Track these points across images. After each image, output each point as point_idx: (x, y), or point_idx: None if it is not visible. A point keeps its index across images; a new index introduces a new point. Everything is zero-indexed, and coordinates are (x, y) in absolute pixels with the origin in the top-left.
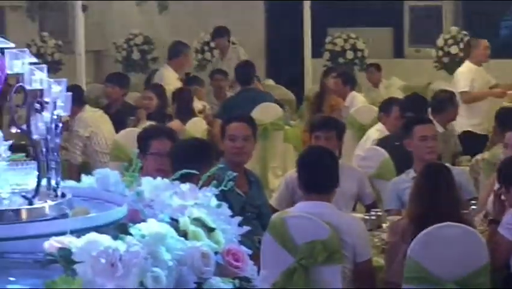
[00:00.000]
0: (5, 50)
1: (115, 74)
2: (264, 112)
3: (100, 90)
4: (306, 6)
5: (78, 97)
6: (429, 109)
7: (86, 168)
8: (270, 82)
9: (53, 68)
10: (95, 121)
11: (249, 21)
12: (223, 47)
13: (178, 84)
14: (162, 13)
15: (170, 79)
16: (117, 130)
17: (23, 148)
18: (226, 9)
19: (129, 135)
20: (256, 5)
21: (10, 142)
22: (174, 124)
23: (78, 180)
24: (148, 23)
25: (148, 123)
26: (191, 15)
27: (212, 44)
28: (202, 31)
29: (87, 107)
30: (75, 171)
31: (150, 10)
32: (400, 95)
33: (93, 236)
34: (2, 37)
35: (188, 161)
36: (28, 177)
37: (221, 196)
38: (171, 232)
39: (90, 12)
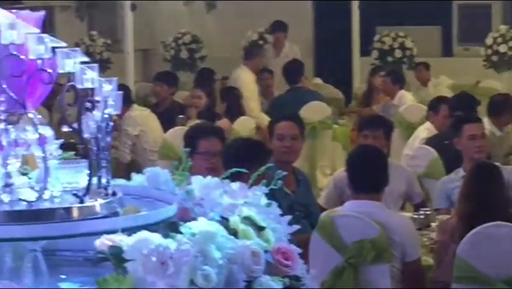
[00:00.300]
0: (57, 50)
1: (163, 73)
2: (313, 111)
3: (149, 89)
4: (355, 5)
5: (125, 96)
6: (478, 108)
7: (134, 166)
8: (318, 80)
9: (102, 67)
10: (144, 119)
11: (298, 20)
12: (280, 42)
13: (254, 85)
14: (210, 12)
15: (247, 80)
16: (165, 129)
17: (73, 146)
18: (274, 8)
19: (178, 134)
20: (304, 4)
21: (61, 141)
22: (223, 122)
23: (127, 178)
24: (196, 22)
25: (197, 121)
26: (239, 14)
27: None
28: (249, 29)
29: (135, 106)
30: (124, 170)
31: (198, 9)
32: (449, 94)
33: (143, 234)
34: (52, 36)
35: (240, 160)
36: (78, 176)
37: (270, 195)
38: (222, 230)
39: (139, 11)
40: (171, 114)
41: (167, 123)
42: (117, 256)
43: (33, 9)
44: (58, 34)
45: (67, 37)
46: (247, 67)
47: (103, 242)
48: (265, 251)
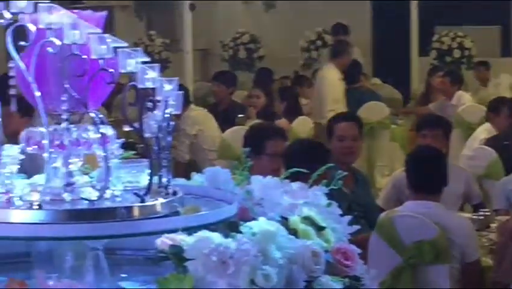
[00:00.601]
0: (118, 50)
1: (222, 72)
2: (371, 111)
3: (208, 89)
4: (413, 5)
5: (184, 96)
6: None
7: (193, 166)
8: (377, 81)
9: (161, 67)
10: (202, 119)
11: (356, 20)
12: None
13: (340, 85)
14: (268, 12)
15: (333, 80)
16: (223, 129)
17: (132, 146)
18: (332, 8)
19: (237, 134)
20: (362, 3)
21: (122, 140)
22: (282, 122)
23: (185, 178)
24: (254, 21)
25: (256, 121)
26: (297, 14)
27: (319, 43)
28: (307, 29)
29: (192, 106)
30: (182, 169)
31: (256, 9)
32: (509, 94)
33: (204, 233)
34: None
35: (301, 161)
36: (139, 175)
37: (328, 195)
38: (282, 230)
39: (197, 10)
40: (230, 113)
41: (225, 122)
42: (177, 255)
43: (93, 9)
44: (118, 34)
45: (126, 36)
46: (334, 65)
47: (164, 241)
48: (326, 251)
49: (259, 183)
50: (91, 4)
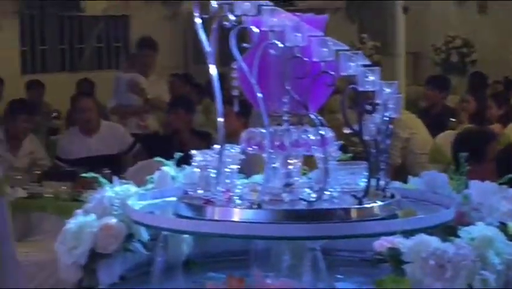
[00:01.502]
0: (340, 52)
1: (436, 77)
2: None
3: (419, 92)
4: None
5: None
6: None
7: (402, 169)
8: None
9: None
10: (414, 122)
11: None
12: None
13: None
14: (481, 13)
15: None
16: (433, 133)
17: (345, 148)
18: None
19: (449, 138)
20: None
21: (340, 142)
22: (496, 127)
23: (394, 180)
24: (467, 24)
25: (468, 125)
26: (510, 16)
27: None
28: None
29: (403, 110)
30: (392, 172)
31: (469, 11)
32: None
33: (422, 237)
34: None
35: None
36: (355, 177)
37: None
38: (500, 236)
39: (410, 13)
40: (442, 118)
41: (436, 127)
42: (395, 258)
43: (305, 11)
44: (328, 36)
45: (336, 39)
46: None
47: (382, 243)
48: None
49: (478, 188)
50: (302, 6)
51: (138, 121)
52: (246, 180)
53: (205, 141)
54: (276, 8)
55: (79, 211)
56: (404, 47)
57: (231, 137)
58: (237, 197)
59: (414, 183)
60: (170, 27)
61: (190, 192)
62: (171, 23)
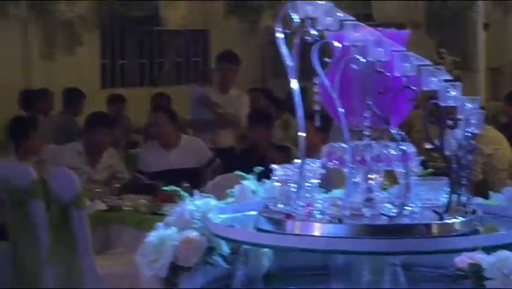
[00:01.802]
0: (422, 67)
1: None
2: None
3: (498, 108)
4: None
5: None
6: None
7: (484, 185)
8: None
9: None
10: (498, 139)
11: None
12: None
13: None
14: None
15: None
16: None
17: (425, 164)
18: None
19: None
20: None
21: (421, 158)
22: None
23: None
24: None
25: None
26: None
27: None
28: None
29: (485, 125)
30: (473, 188)
31: None
32: None
33: (504, 253)
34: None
35: None
36: (436, 193)
37: None
38: None
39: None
40: None
41: None
42: (477, 274)
43: (384, 26)
44: (408, 51)
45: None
46: None
47: (463, 259)
48: None
49: None
50: (381, 21)
51: (210, 136)
52: (326, 195)
53: (284, 155)
54: (358, 22)
55: (160, 224)
56: (484, 62)
57: (310, 152)
58: (318, 212)
59: (495, 199)
60: (247, 41)
61: (270, 207)
62: (249, 37)
